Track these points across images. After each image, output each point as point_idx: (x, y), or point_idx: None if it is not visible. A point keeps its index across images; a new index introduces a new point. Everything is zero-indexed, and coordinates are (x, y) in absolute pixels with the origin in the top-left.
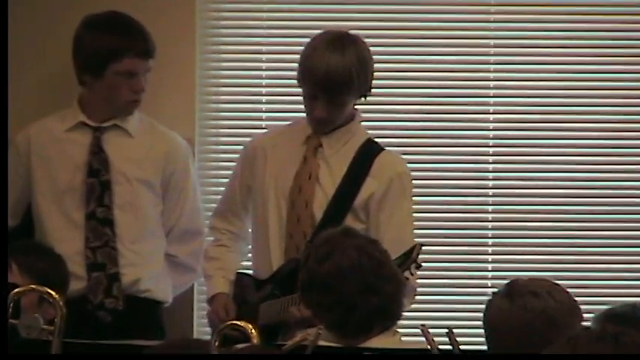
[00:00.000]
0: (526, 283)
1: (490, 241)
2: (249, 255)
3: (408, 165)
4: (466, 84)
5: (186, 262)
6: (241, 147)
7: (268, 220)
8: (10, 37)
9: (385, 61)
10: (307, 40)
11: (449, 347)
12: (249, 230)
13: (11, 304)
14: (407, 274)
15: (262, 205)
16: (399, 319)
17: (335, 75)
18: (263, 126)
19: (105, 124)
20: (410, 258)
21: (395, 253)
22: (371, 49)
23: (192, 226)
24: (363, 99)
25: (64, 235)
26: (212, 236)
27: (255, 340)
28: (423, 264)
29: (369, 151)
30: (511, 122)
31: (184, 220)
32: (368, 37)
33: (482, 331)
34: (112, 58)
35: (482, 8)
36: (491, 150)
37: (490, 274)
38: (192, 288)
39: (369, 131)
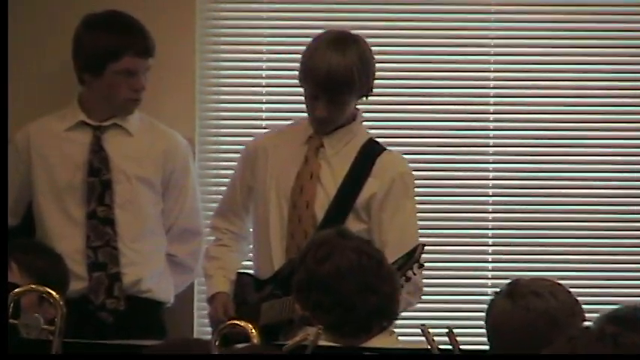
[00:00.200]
0: (528, 283)
1: (490, 240)
2: (250, 255)
3: (409, 165)
4: (466, 84)
5: (185, 261)
6: (241, 147)
7: (269, 220)
8: (10, 37)
9: (385, 60)
10: (307, 39)
11: (449, 347)
12: (250, 230)
13: (11, 304)
14: (409, 273)
15: (263, 205)
16: (396, 319)
17: (336, 74)
18: (263, 125)
19: (105, 123)
20: (413, 258)
21: (398, 253)
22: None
23: (191, 225)
24: (364, 99)
25: (65, 234)
26: (213, 236)
27: (255, 340)
28: (425, 263)
29: (371, 151)
30: (511, 122)
31: (184, 218)
32: (368, 36)
33: (482, 331)
34: (112, 57)
35: (482, 8)
36: (491, 150)
37: (490, 273)
38: (192, 288)
39: (370, 131)
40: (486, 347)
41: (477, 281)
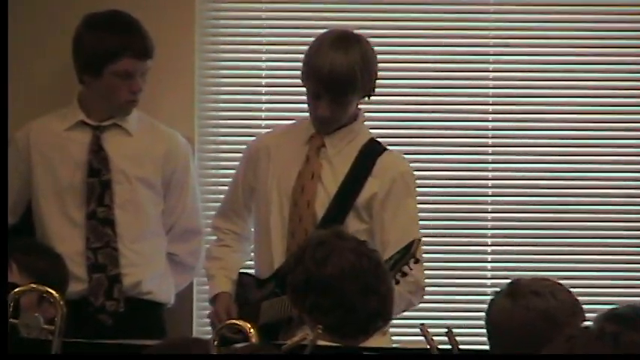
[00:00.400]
0: (528, 283)
1: (489, 240)
2: (252, 254)
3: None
4: (465, 83)
5: (186, 260)
6: (241, 146)
7: (270, 219)
8: (10, 37)
9: (385, 60)
10: (307, 39)
11: (448, 347)
12: (252, 230)
13: (11, 304)
14: (405, 268)
15: (265, 204)
16: (391, 320)
17: (339, 74)
18: (262, 125)
19: (104, 123)
20: (408, 253)
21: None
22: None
23: (192, 224)
24: (366, 98)
25: (65, 235)
26: (215, 236)
27: (254, 340)
28: (424, 263)
29: (372, 150)
30: (510, 122)
31: (185, 218)
32: (367, 36)
33: (481, 330)
34: (110, 58)
35: (481, 8)
36: (490, 149)
37: (489, 273)
38: (191, 288)
39: (372, 130)
40: (485, 347)
41: (476, 281)
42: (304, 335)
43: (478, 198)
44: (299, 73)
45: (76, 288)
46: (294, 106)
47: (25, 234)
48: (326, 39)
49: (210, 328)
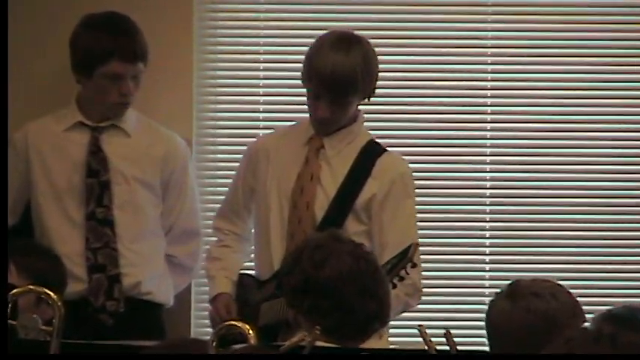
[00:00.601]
0: (528, 284)
1: (487, 241)
2: (252, 255)
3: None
4: (464, 84)
5: (185, 262)
6: (239, 147)
7: (270, 221)
8: (10, 37)
9: (384, 62)
10: (305, 40)
11: (446, 348)
12: (252, 231)
13: (9, 305)
14: (403, 273)
15: (265, 206)
16: (388, 322)
17: (340, 75)
18: (260, 126)
19: (102, 124)
20: (406, 257)
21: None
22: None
23: (190, 225)
24: (367, 100)
25: (64, 235)
26: (215, 237)
27: (252, 341)
28: (422, 264)
29: (371, 152)
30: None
31: (183, 219)
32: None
33: (479, 331)
34: (100, 60)
35: (479, 8)
36: (488, 150)
37: (487, 274)
38: (189, 289)
39: (371, 132)
40: (483, 348)
41: (475, 282)
42: (302, 336)
43: (476, 199)
44: (297, 74)
45: (75, 288)
46: (293, 107)
47: (24, 235)
48: (327, 40)
49: (208, 328)
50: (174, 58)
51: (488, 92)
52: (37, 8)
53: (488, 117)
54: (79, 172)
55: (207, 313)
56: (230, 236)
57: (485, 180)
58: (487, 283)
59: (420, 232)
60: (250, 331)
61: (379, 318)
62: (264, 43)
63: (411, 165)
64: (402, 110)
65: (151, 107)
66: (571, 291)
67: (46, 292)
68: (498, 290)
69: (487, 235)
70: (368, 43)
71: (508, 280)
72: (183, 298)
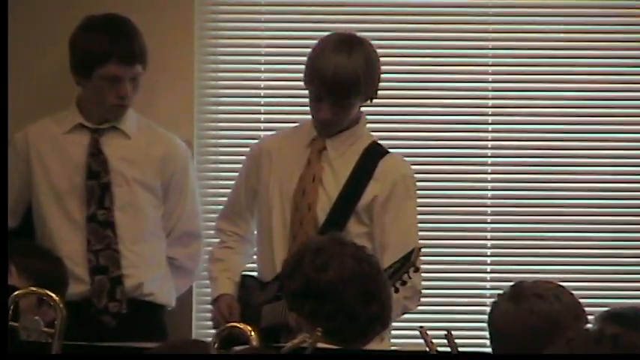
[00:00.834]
0: (531, 286)
1: (489, 243)
2: (255, 257)
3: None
4: (465, 86)
5: (186, 264)
6: (240, 149)
7: (272, 223)
8: (10, 37)
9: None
10: (306, 41)
11: (447, 349)
12: (255, 232)
13: (10, 307)
14: (405, 277)
15: (267, 207)
16: (389, 325)
17: (342, 76)
18: (262, 128)
19: (103, 126)
20: (409, 261)
21: (399, 256)
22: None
23: (191, 227)
24: (369, 102)
25: (66, 236)
26: (218, 238)
27: (254, 342)
28: (423, 266)
29: (373, 153)
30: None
31: (184, 221)
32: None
33: (480, 333)
34: (98, 62)
35: (480, 10)
36: (489, 152)
37: (489, 275)
38: (191, 290)
39: (373, 133)
40: (484, 350)
41: (476, 283)
42: (304, 338)
43: (478, 201)
44: (298, 75)
45: (77, 289)
46: (293, 109)
47: (25, 236)
48: (329, 42)
49: (209, 330)
50: (175, 59)
51: (490, 94)
52: (37, 8)
53: (490, 118)
54: (80, 174)
55: (208, 314)
56: (232, 237)
57: (487, 182)
58: (488, 285)
59: (421, 234)
60: (252, 333)
61: (381, 321)
62: (265, 44)
63: (412, 166)
64: (404, 112)
65: (152, 109)
66: (573, 292)
67: (47, 294)
68: (500, 292)
69: (488, 237)
70: (370, 44)
71: (509, 282)
72: (185, 299)
